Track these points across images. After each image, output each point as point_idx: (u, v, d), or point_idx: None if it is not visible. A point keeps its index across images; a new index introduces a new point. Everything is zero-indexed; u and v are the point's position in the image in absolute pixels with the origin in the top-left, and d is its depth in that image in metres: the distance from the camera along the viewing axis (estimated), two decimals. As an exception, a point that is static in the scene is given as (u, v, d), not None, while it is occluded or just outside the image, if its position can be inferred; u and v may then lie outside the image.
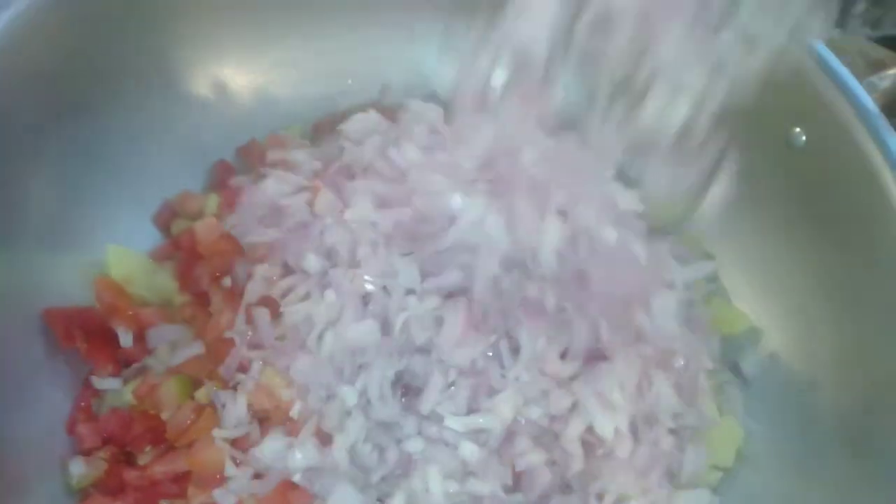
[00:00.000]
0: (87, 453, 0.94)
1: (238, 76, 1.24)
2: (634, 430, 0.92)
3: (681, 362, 0.95)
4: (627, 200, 0.98)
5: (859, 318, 1.00)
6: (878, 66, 1.20)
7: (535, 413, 0.86)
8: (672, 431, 0.94)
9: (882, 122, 0.95)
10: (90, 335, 1.01)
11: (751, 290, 1.13)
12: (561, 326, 0.87)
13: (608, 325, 0.88)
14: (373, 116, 1.09)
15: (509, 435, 0.85)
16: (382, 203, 0.94)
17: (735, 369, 1.08)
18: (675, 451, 0.95)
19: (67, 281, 1.04)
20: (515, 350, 0.87)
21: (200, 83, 1.20)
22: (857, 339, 1.00)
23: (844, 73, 0.98)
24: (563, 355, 0.88)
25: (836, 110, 0.98)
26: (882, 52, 1.36)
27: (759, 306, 1.12)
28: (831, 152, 1.00)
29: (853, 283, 1.00)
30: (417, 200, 0.89)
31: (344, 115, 1.24)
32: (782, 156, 1.05)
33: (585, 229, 0.88)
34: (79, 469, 0.92)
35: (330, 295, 0.89)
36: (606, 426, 0.87)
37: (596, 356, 0.90)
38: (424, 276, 0.89)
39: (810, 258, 1.06)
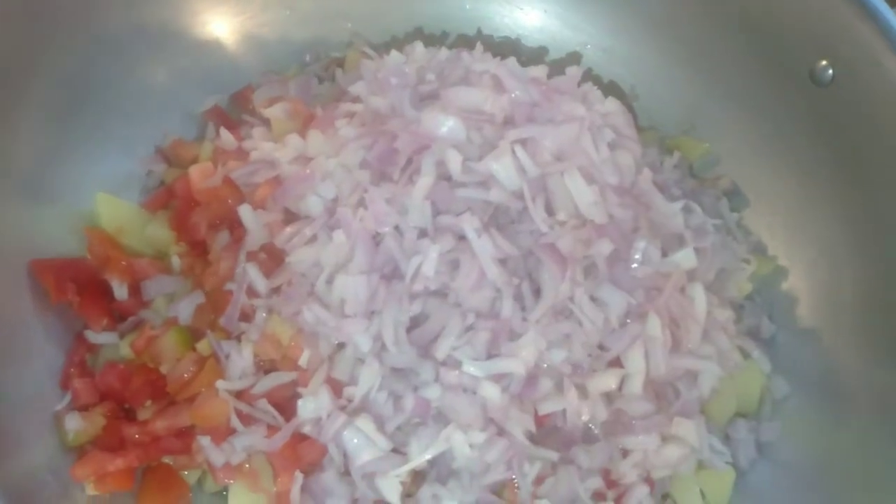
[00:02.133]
0: (83, 409, 0.90)
1: (228, 18, 1.17)
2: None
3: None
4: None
5: (886, 259, 0.96)
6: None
7: (557, 357, 0.81)
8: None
9: (917, 52, 0.90)
10: (82, 288, 0.95)
11: (774, 231, 1.09)
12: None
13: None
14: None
15: (531, 379, 0.81)
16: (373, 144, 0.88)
17: (755, 332, 1.05)
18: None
19: (56, 232, 0.98)
20: (537, 292, 0.83)
21: (189, 25, 1.13)
22: (883, 280, 0.96)
23: (874, -3, 0.92)
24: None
25: (866, 39, 0.93)
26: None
27: (782, 250, 1.09)
28: (860, 85, 0.95)
29: (880, 219, 0.96)
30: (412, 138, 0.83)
31: (342, 60, 1.19)
32: (807, 92, 1.00)
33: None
34: (74, 424, 0.87)
35: (339, 236, 0.84)
36: (638, 383, 0.84)
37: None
38: (437, 213, 0.83)
39: (836, 198, 1.01)
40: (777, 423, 1.00)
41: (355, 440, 0.80)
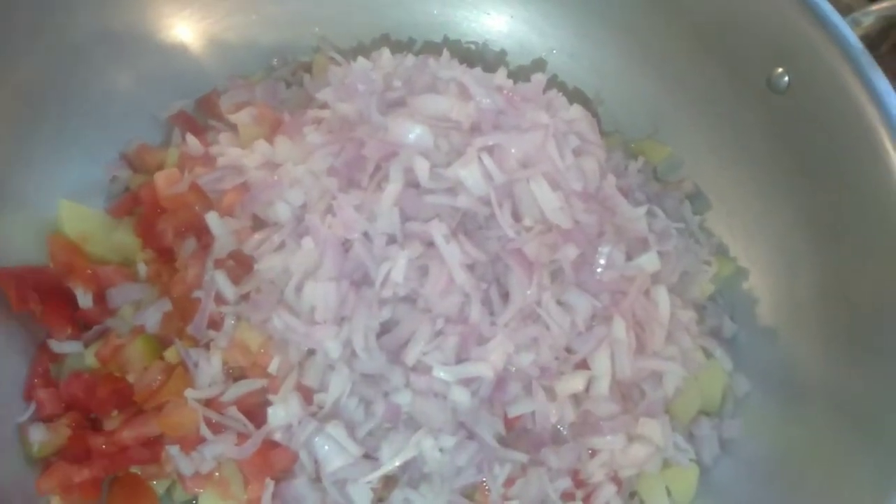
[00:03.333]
0: (47, 420, 0.89)
1: (193, 22, 1.16)
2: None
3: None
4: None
5: (841, 254, 0.98)
6: (847, 8, 1.17)
7: (525, 360, 0.83)
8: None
9: (867, 59, 0.93)
10: (45, 296, 0.94)
11: (735, 233, 1.12)
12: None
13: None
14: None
15: (500, 382, 0.82)
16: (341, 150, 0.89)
17: (717, 332, 1.07)
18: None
19: (18, 239, 0.97)
20: (505, 296, 0.84)
21: (154, 30, 1.12)
22: (839, 275, 0.99)
23: (828, 8, 0.95)
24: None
25: (820, 48, 0.95)
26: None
27: (742, 251, 1.11)
28: (815, 92, 0.97)
29: (836, 220, 0.99)
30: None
31: (309, 65, 1.19)
32: (765, 98, 1.02)
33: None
34: (39, 436, 0.86)
35: (308, 243, 0.84)
36: (605, 384, 0.85)
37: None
38: (405, 219, 0.84)
39: (794, 201, 1.04)
40: (739, 421, 1.02)
41: (326, 447, 0.80)
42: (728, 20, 1.05)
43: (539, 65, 1.22)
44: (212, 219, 0.91)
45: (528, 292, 0.82)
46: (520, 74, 1.21)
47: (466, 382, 0.81)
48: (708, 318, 1.06)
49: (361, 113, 0.91)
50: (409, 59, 0.97)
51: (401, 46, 1.21)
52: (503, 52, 1.24)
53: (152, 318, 0.91)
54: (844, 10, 0.99)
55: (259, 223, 0.93)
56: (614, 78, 1.21)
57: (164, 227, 0.96)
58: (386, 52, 0.99)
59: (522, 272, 0.82)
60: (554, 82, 1.20)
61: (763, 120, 1.05)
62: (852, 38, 0.94)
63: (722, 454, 1.01)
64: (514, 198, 0.85)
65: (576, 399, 0.87)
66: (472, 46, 1.25)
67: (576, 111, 0.94)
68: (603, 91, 1.22)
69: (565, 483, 0.87)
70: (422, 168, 0.83)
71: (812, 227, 1.03)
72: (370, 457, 0.82)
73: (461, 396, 0.80)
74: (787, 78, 1.00)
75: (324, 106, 0.97)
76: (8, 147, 0.97)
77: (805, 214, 1.03)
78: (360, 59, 0.97)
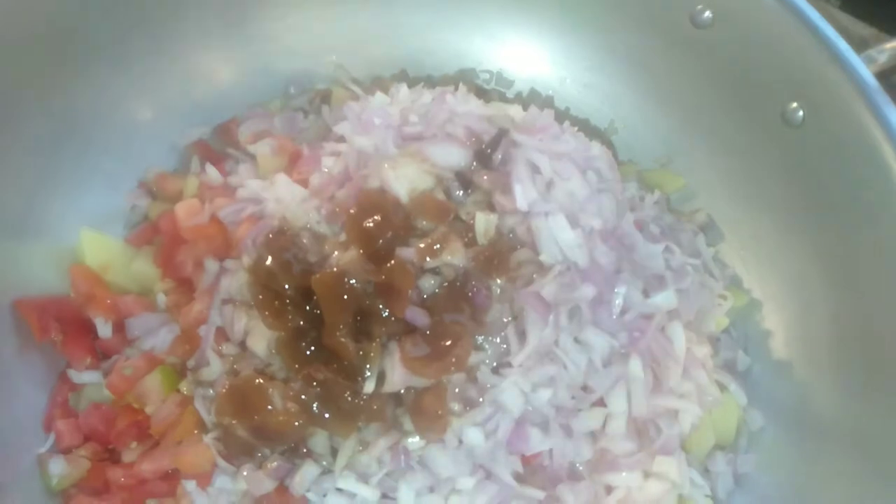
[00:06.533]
0: (66, 451, 0.89)
1: (214, 52, 1.17)
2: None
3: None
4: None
5: (855, 289, 0.98)
6: (862, 44, 1.18)
7: (543, 399, 0.83)
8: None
9: (881, 96, 0.93)
10: (66, 326, 0.95)
11: (748, 265, 1.12)
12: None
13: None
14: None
15: (518, 422, 0.82)
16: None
17: (731, 366, 1.07)
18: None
19: (40, 270, 0.98)
20: (522, 334, 0.84)
21: (175, 59, 1.13)
22: (853, 310, 0.98)
23: (843, 45, 0.96)
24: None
25: (835, 84, 0.96)
26: (866, 30, 1.35)
27: (756, 284, 1.12)
28: (829, 127, 0.98)
29: (851, 258, 0.99)
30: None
31: (328, 92, 1.20)
32: (779, 131, 1.03)
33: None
34: (59, 469, 0.87)
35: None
36: (621, 422, 0.86)
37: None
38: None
39: (808, 233, 1.04)
40: (753, 456, 1.02)
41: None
42: (744, 56, 1.06)
43: (548, 101, 1.23)
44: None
45: (545, 333, 0.82)
46: (532, 101, 1.23)
47: (481, 424, 0.81)
48: (722, 351, 1.06)
49: (377, 146, 0.92)
50: (427, 96, 0.98)
51: (418, 69, 1.22)
52: (516, 81, 1.26)
53: (163, 342, 0.92)
54: (859, 45, 1.00)
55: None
56: (627, 109, 1.22)
57: (185, 259, 0.97)
58: (403, 88, 1.00)
59: (540, 315, 0.82)
60: (567, 114, 1.21)
61: (777, 153, 1.05)
62: (867, 75, 0.94)
63: (736, 489, 1.01)
64: (533, 233, 0.85)
65: (592, 436, 0.87)
66: (487, 75, 1.26)
67: (596, 148, 0.95)
68: (616, 121, 1.23)
69: (581, 520, 0.87)
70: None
71: (826, 261, 1.03)
72: (388, 496, 0.82)
73: (475, 439, 0.80)
74: (801, 113, 1.00)
75: (340, 139, 0.98)
76: (31, 178, 0.99)
77: (818, 248, 1.03)
78: (379, 95, 0.98)
